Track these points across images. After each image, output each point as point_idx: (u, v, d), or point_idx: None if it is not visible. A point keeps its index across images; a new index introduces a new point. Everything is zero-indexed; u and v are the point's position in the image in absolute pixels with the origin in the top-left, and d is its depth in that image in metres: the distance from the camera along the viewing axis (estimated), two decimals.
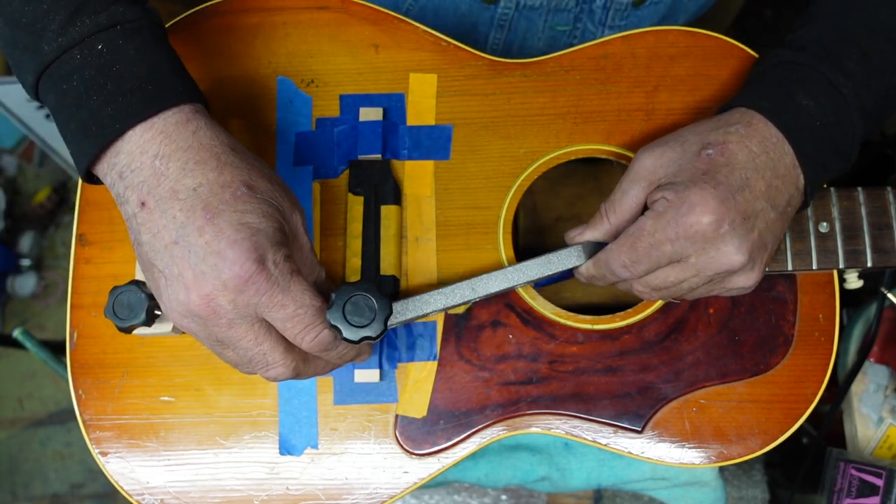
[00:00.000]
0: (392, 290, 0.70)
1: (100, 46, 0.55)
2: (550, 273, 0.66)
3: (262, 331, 0.55)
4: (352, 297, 0.57)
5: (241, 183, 0.54)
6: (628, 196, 0.62)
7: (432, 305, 0.64)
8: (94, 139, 0.54)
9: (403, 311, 0.64)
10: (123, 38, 0.56)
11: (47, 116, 1.63)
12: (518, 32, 0.83)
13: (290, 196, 0.58)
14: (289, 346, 0.57)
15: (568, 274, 0.67)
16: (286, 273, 0.54)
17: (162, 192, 0.53)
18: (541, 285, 0.72)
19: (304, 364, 0.59)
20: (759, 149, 0.59)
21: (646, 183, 0.61)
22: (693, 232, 0.57)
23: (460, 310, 0.70)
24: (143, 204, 0.54)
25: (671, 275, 0.60)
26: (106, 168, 0.55)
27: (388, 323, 0.61)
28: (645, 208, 0.62)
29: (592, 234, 0.65)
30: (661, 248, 0.58)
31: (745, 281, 0.60)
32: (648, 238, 0.59)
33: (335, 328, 0.56)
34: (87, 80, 0.54)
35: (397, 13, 0.74)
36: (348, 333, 0.57)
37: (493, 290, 0.66)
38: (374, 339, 0.58)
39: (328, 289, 0.60)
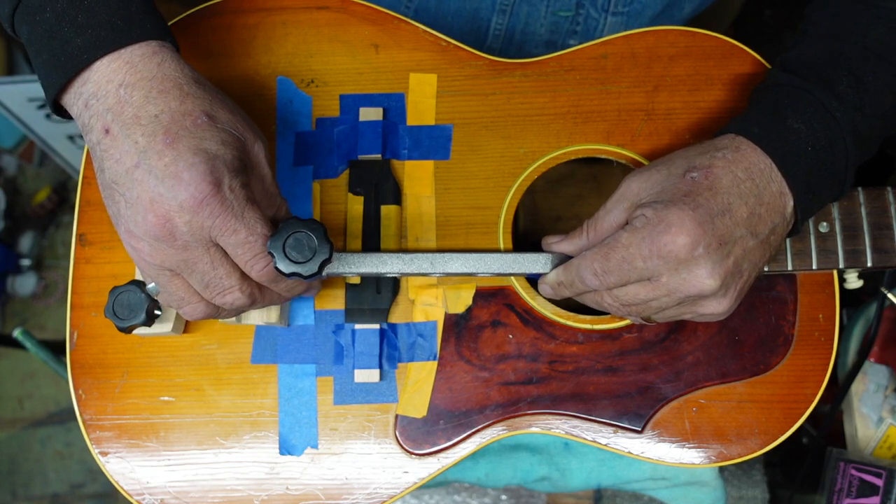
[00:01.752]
0: (392, 288, 0.70)
1: None
2: (514, 272, 0.66)
3: (218, 255, 0.57)
4: (296, 231, 0.58)
5: (202, 112, 0.56)
6: (611, 215, 0.63)
7: (388, 266, 0.65)
8: (62, 69, 0.56)
9: (354, 262, 0.64)
10: None
11: (47, 116, 1.63)
12: (520, 17, 0.83)
13: (252, 128, 0.60)
14: (245, 272, 0.59)
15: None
16: (241, 199, 0.56)
17: (125, 119, 0.55)
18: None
19: (259, 292, 0.61)
20: (745, 175, 0.59)
21: (628, 204, 0.62)
22: (667, 251, 0.57)
23: (460, 309, 0.70)
24: (106, 131, 0.55)
25: (641, 292, 0.60)
26: (73, 98, 0.57)
27: (332, 269, 0.63)
28: None
29: (569, 246, 0.66)
30: (633, 262, 0.58)
31: (716, 307, 0.60)
32: (622, 251, 0.59)
33: (271, 255, 0.57)
34: (59, 13, 0.56)
35: (401, 4, 0.74)
36: (281, 265, 0.57)
37: (450, 271, 0.66)
38: (304, 277, 0.58)
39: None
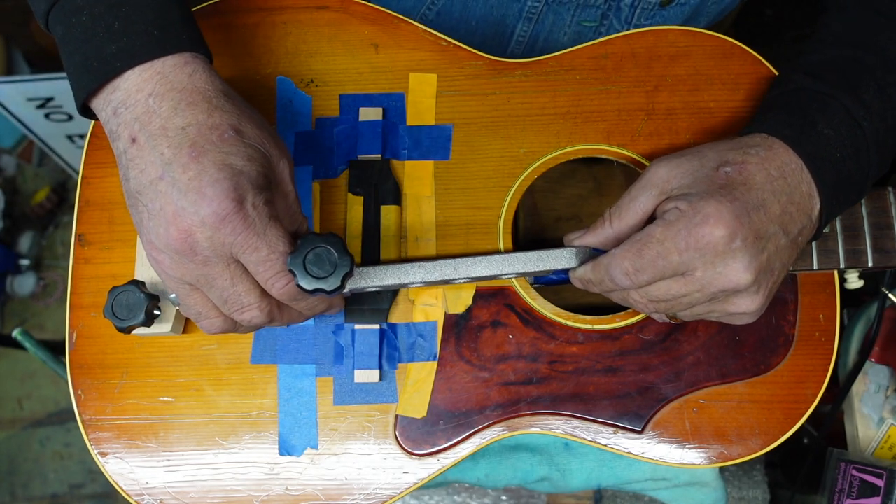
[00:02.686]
0: (392, 291, 0.70)
1: None
2: (539, 270, 0.65)
3: (238, 272, 0.56)
4: (316, 247, 0.57)
5: (230, 126, 0.56)
6: (637, 203, 0.61)
7: (410, 277, 0.65)
8: (94, 74, 0.56)
9: (378, 275, 0.64)
10: None
11: (47, 116, 1.63)
12: (545, 25, 0.83)
13: (279, 145, 0.59)
14: (265, 290, 0.58)
15: (566, 277, 0.67)
16: (264, 217, 0.55)
17: (152, 129, 0.54)
18: (540, 283, 0.72)
19: (278, 310, 0.60)
20: (778, 173, 0.58)
21: (657, 191, 0.60)
22: (705, 243, 0.56)
23: (460, 309, 0.70)
24: (133, 140, 0.55)
25: (673, 288, 0.58)
26: (102, 104, 0.57)
27: (355, 284, 0.62)
28: (652, 219, 0.61)
29: (593, 238, 0.64)
30: (668, 257, 0.57)
31: (749, 304, 0.59)
32: (657, 246, 0.57)
33: (292, 272, 0.57)
34: (96, 16, 0.56)
35: (423, 5, 0.73)
36: (303, 282, 0.57)
37: (475, 275, 0.65)
38: (328, 293, 0.58)
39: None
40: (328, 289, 0.57)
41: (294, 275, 0.57)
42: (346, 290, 0.64)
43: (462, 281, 0.66)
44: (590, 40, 0.81)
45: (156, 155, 0.54)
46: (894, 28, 0.64)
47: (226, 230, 0.54)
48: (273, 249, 0.56)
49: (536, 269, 0.65)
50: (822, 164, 0.59)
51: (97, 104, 0.58)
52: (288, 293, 0.58)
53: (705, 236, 0.56)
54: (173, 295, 0.59)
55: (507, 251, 0.69)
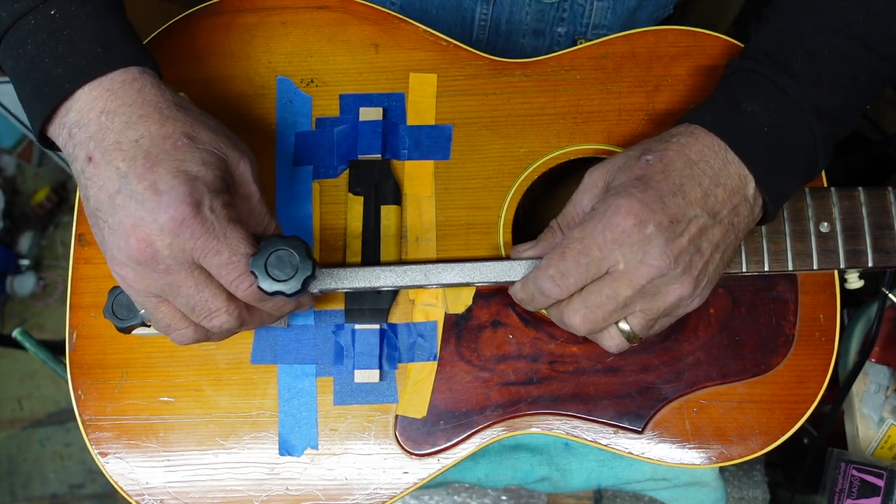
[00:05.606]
0: (392, 291, 0.70)
1: (52, 12, 0.57)
2: (513, 280, 0.64)
3: (202, 277, 0.57)
4: (278, 249, 0.57)
5: (182, 134, 0.56)
6: (580, 206, 0.63)
7: (381, 280, 0.65)
8: (45, 98, 0.57)
9: (346, 277, 0.64)
10: (76, 5, 0.58)
11: None
12: (504, 6, 0.83)
13: (237, 146, 0.60)
14: (231, 294, 0.58)
15: None
16: (223, 220, 0.56)
17: (107, 145, 0.55)
18: None
19: (248, 313, 0.60)
20: (698, 157, 0.59)
21: (597, 190, 0.62)
22: (619, 232, 0.57)
23: (460, 309, 0.70)
24: (89, 159, 0.55)
25: (605, 287, 0.58)
26: (58, 128, 0.58)
27: (325, 285, 0.63)
28: None
29: (542, 247, 0.65)
30: (589, 254, 0.58)
31: (680, 289, 0.58)
32: (577, 245, 0.58)
33: (253, 274, 0.57)
34: (40, 44, 0.57)
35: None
36: (264, 283, 0.57)
37: (445, 281, 0.66)
38: (287, 295, 0.58)
39: None
40: (288, 292, 0.57)
41: (255, 276, 0.57)
42: (316, 290, 0.64)
43: (434, 286, 0.67)
44: (554, 18, 0.80)
45: (111, 170, 0.55)
46: None
47: (185, 235, 0.54)
48: (234, 252, 0.56)
49: (510, 279, 0.65)
50: (746, 141, 0.60)
51: (53, 130, 0.58)
52: (253, 294, 0.58)
53: (618, 226, 0.57)
54: (143, 311, 0.59)
55: (479, 259, 0.68)
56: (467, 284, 0.66)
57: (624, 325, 0.60)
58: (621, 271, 0.57)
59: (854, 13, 0.63)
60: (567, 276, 0.59)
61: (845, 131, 0.65)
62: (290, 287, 0.57)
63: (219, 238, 0.55)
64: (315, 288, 0.64)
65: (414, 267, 0.65)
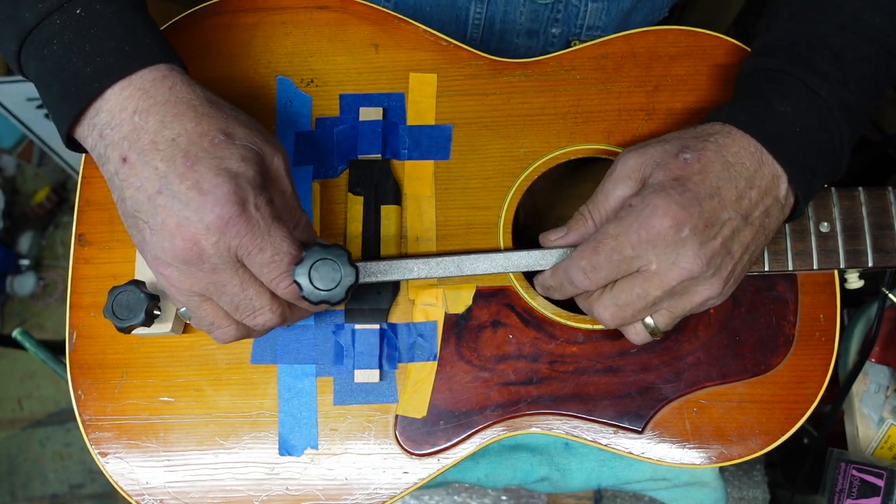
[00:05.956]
0: (392, 288, 0.70)
1: (78, 11, 0.56)
2: (546, 267, 0.66)
3: (247, 276, 0.57)
4: (320, 259, 0.58)
5: (219, 131, 0.56)
6: (613, 196, 0.62)
7: (415, 272, 0.66)
8: (73, 99, 0.56)
9: (381, 271, 0.65)
10: (101, 3, 0.57)
11: (47, 116, 1.63)
12: (498, 5, 0.83)
13: (270, 141, 0.59)
14: (273, 292, 0.58)
15: None
16: (267, 217, 0.56)
17: (143, 146, 0.55)
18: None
19: (289, 310, 0.61)
20: (734, 159, 0.59)
21: (632, 182, 0.61)
22: (655, 234, 0.57)
23: (460, 309, 0.70)
24: (124, 159, 0.55)
25: (636, 286, 0.59)
26: (87, 130, 0.57)
27: (361, 280, 0.63)
28: None
29: (576, 236, 0.64)
30: (622, 251, 0.58)
31: (708, 289, 0.59)
32: (611, 241, 0.58)
33: (297, 284, 0.57)
34: (67, 43, 0.56)
35: None
36: (309, 294, 0.58)
37: (479, 272, 0.66)
38: (332, 304, 0.59)
39: (310, 233, 0.62)
40: (333, 301, 0.58)
41: (300, 287, 0.57)
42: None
43: (467, 273, 0.68)
44: (548, 18, 0.80)
45: (150, 170, 0.54)
46: None
47: (230, 233, 0.54)
48: (277, 250, 0.56)
49: (542, 266, 0.66)
50: (781, 142, 0.60)
51: (81, 132, 0.58)
52: (293, 293, 0.58)
53: (654, 227, 0.57)
54: (183, 308, 0.60)
55: (510, 249, 0.69)
56: (499, 273, 0.67)
57: (649, 321, 0.62)
58: (653, 272, 0.58)
59: (870, 14, 0.63)
60: (598, 269, 0.59)
61: (861, 131, 0.65)
62: (334, 296, 0.58)
63: (263, 236, 0.55)
64: None
65: (447, 259, 0.66)
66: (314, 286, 0.58)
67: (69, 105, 0.56)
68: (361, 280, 0.64)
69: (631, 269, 0.59)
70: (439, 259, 0.66)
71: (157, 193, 0.54)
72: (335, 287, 0.58)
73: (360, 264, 0.64)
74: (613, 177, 0.62)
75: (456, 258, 0.66)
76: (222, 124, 0.56)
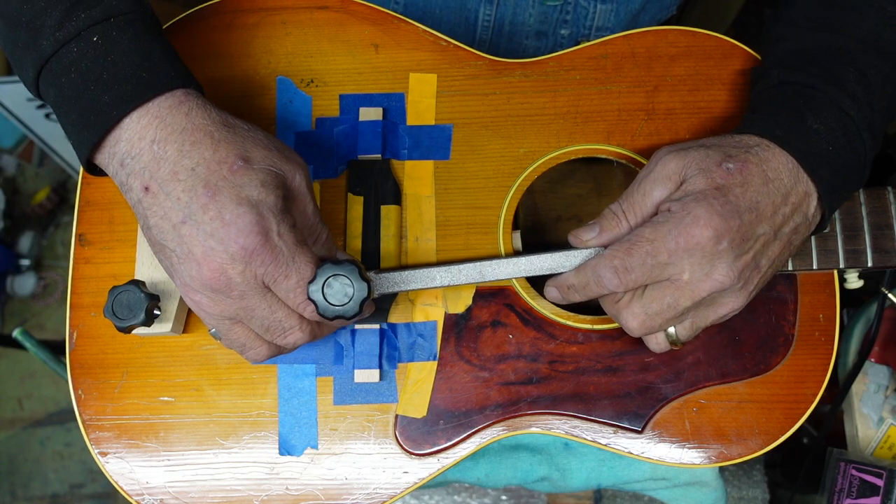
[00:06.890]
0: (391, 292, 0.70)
1: (95, 38, 0.57)
2: (561, 272, 0.65)
3: (274, 299, 0.58)
4: (332, 276, 0.58)
5: (237, 157, 0.56)
6: (651, 197, 0.61)
7: (437, 281, 0.66)
8: (92, 127, 0.56)
9: (403, 280, 0.65)
10: (117, 30, 0.57)
11: (47, 116, 1.63)
12: (508, 7, 0.83)
13: (290, 158, 0.59)
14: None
15: None
16: (291, 245, 0.56)
17: (163, 175, 0.55)
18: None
19: (318, 327, 0.61)
20: (774, 175, 0.59)
21: (671, 184, 0.60)
22: (694, 244, 0.56)
23: (460, 309, 0.70)
24: (146, 189, 0.56)
25: (667, 294, 0.59)
26: (107, 158, 0.57)
27: (381, 289, 0.64)
28: None
29: (609, 236, 0.62)
30: (657, 256, 0.57)
31: (734, 302, 0.60)
32: (647, 245, 0.58)
33: (312, 302, 0.58)
34: (84, 71, 0.56)
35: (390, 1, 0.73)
36: (324, 311, 0.58)
37: (502, 277, 0.66)
38: (347, 319, 0.59)
39: (330, 248, 0.62)
40: (347, 315, 0.59)
41: (315, 304, 0.58)
42: (375, 295, 0.65)
43: (489, 282, 0.68)
44: (557, 20, 0.80)
45: (172, 201, 0.55)
46: (861, 7, 0.65)
47: (255, 263, 0.55)
48: (301, 276, 0.57)
49: (560, 271, 0.65)
50: (815, 160, 0.60)
51: (102, 159, 0.58)
52: (318, 316, 0.59)
53: (694, 237, 0.56)
54: (213, 329, 0.60)
55: (530, 253, 0.67)
56: (523, 277, 0.67)
57: (671, 330, 0.62)
58: (685, 281, 0.58)
59: (889, 31, 0.63)
60: (630, 272, 0.59)
61: (879, 148, 0.65)
62: (348, 310, 0.59)
63: (287, 263, 0.56)
64: (375, 293, 0.65)
65: (468, 266, 0.66)
66: (328, 302, 0.58)
67: (89, 133, 0.56)
68: (384, 291, 0.65)
69: (662, 277, 0.58)
70: (461, 266, 0.66)
71: (181, 223, 0.55)
72: (348, 302, 0.59)
73: (382, 275, 0.65)
74: (652, 177, 0.61)
75: (478, 264, 0.66)
76: (240, 149, 0.56)
